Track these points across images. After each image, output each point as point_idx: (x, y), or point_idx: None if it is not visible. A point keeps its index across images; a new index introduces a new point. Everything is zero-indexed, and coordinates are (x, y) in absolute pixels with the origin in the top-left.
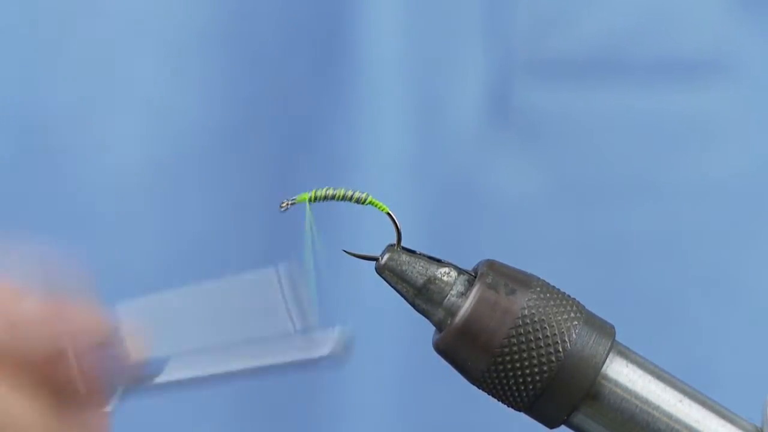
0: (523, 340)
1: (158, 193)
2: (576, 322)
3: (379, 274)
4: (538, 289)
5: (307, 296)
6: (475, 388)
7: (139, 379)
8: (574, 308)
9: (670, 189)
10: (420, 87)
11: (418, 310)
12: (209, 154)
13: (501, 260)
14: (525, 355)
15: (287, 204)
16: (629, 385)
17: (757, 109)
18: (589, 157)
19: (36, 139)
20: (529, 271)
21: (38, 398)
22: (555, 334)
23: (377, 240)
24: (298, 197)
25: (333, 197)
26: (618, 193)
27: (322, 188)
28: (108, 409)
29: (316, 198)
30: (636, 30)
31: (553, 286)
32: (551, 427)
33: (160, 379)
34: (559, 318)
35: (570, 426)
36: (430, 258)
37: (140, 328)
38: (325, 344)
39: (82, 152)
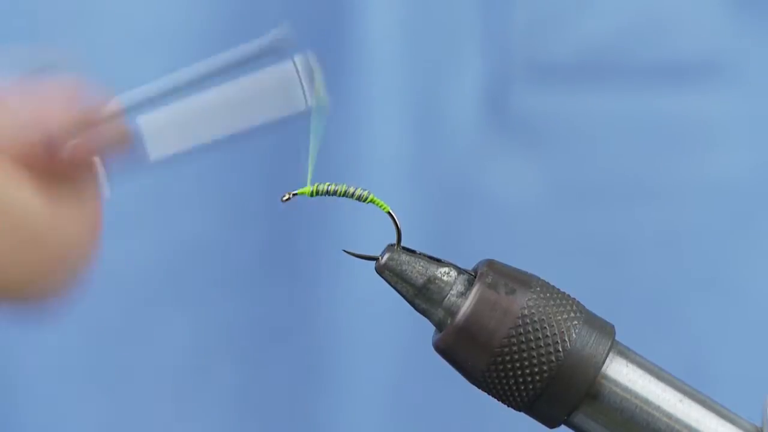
0: (523, 339)
1: (153, 194)
2: (576, 322)
3: (379, 274)
4: (538, 288)
5: (321, 82)
6: (474, 388)
7: (130, 156)
8: (574, 308)
9: (667, 190)
10: (418, 89)
11: (418, 310)
12: (207, 156)
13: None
14: (525, 354)
15: (288, 196)
16: (629, 384)
17: (754, 111)
18: (587, 158)
19: None
20: (527, 271)
21: (32, 181)
22: (555, 334)
23: (377, 240)
24: (299, 190)
25: (335, 193)
26: (615, 194)
27: (324, 183)
28: (103, 190)
29: (318, 192)
30: (633, 32)
31: (553, 286)
32: (551, 427)
33: (152, 155)
34: (559, 318)
35: (570, 426)
36: (430, 258)
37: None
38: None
39: None
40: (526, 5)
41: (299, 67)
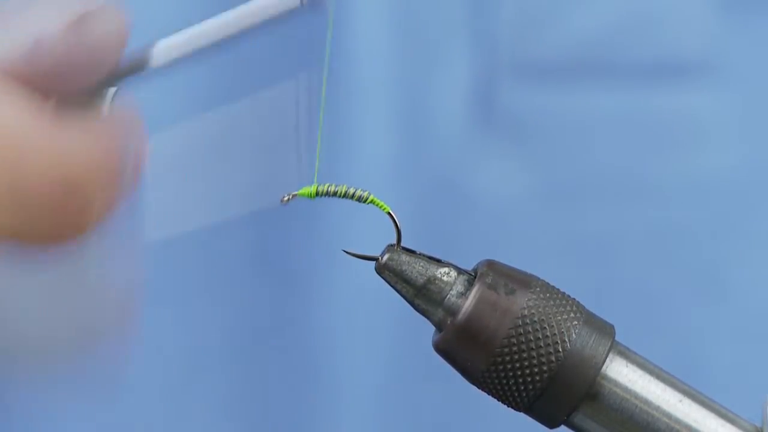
0: (523, 340)
1: (144, 195)
2: (576, 322)
3: (379, 274)
4: (538, 289)
5: None
6: (474, 388)
7: (128, 67)
8: (574, 308)
9: (657, 188)
10: (406, 88)
11: (418, 310)
12: (195, 154)
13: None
14: (525, 355)
15: (288, 198)
16: (629, 385)
17: (744, 109)
18: (575, 156)
19: None
20: (527, 272)
21: (22, 95)
22: (555, 334)
23: (377, 240)
24: (299, 191)
25: (335, 194)
26: (604, 192)
27: (324, 184)
28: (103, 106)
29: (318, 193)
30: (622, 30)
31: (553, 287)
32: (551, 427)
33: (151, 63)
34: (559, 318)
35: (570, 426)
36: (430, 258)
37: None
38: None
39: None
40: (515, 2)
41: None
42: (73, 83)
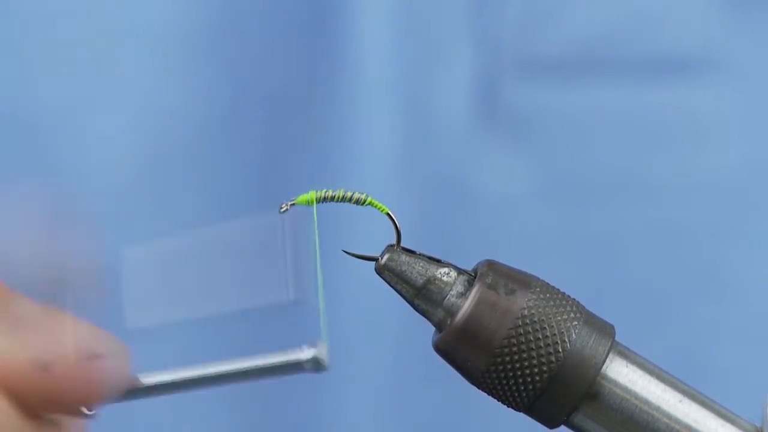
0: (523, 340)
1: (147, 194)
2: (576, 323)
3: (379, 274)
4: (538, 289)
5: (306, 264)
6: (474, 388)
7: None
8: (574, 308)
9: (659, 185)
10: (408, 85)
11: (417, 311)
12: (198, 154)
13: (489, 258)
14: (525, 355)
15: (287, 206)
16: (629, 385)
17: (746, 105)
18: (578, 154)
19: (22, 138)
20: (527, 272)
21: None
22: (555, 335)
23: (377, 240)
24: (297, 199)
25: (332, 198)
26: (607, 190)
27: (321, 189)
28: (89, 413)
29: (316, 199)
30: (625, 27)
31: (553, 287)
32: (551, 428)
33: (144, 381)
34: (559, 318)
35: (570, 426)
36: (430, 258)
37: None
38: (306, 352)
39: (69, 152)
40: (518, 0)
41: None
42: (61, 407)
